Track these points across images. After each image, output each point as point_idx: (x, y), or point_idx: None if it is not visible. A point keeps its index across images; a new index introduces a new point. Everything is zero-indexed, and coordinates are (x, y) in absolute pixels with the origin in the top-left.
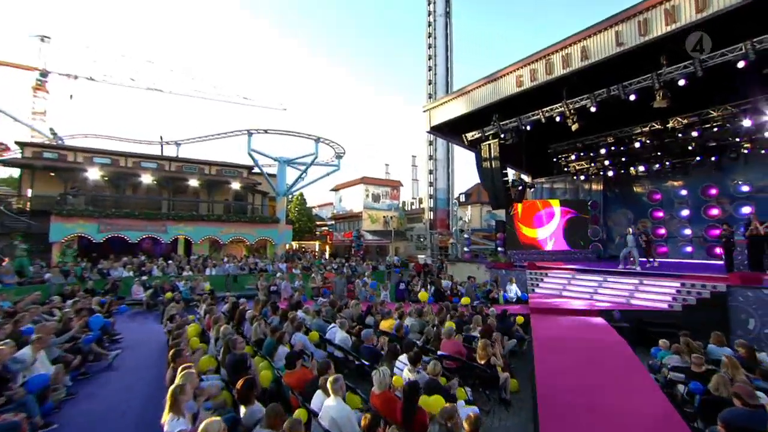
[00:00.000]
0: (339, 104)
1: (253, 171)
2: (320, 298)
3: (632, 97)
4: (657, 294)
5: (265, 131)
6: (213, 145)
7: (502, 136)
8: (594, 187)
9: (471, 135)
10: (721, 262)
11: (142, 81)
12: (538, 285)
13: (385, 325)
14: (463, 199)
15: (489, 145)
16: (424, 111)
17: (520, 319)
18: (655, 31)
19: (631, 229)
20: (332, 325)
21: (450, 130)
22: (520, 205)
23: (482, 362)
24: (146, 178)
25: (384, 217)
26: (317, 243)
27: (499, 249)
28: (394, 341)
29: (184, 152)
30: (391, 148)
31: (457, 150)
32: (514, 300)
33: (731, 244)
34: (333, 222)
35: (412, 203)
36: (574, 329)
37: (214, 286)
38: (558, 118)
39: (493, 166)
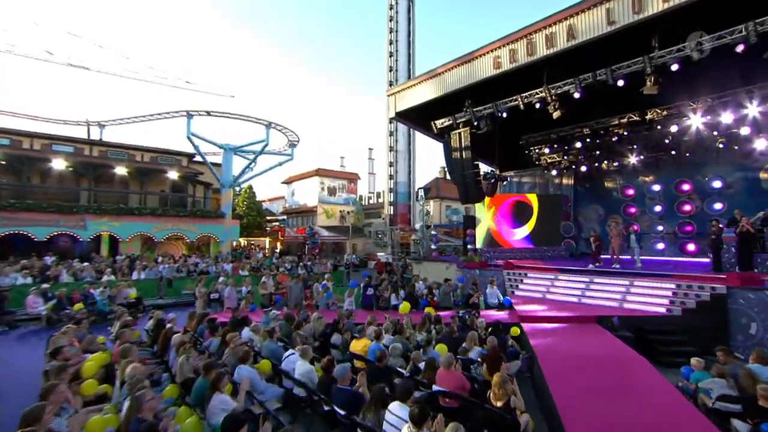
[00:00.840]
0: (291, 94)
1: (194, 159)
2: (272, 309)
3: (620, 83)
4: (652, 297)
5: (208, 113)
6: (148, 130)
7: (476, 123)
8: (565, 181)
9: (440, 122)
10: (702, 260)
11: (62, 55)
12: (517, 287)
13: (358, 346)
14: (422, 194)
15: (460, 133)
16: (389, 95)
17: (515, 331)
18: (651, 8)
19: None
20: (290, 352)
21: (417, 117)
22: (487, 199)
23: (499, 404)
24: (58, 164)
25: (340, 211)
26: (268, 240)
27: (469, 246)
28: (375, 375)
29: (111, 136)
30: (346, 141)
31: (418, 141)
32: (496, 305)
33: (720, 242)
34: (285, 217)
35: (369, 197)
36: (578, 342)
37: (142, 292)
38: (538, 105)
39: (464, 156)
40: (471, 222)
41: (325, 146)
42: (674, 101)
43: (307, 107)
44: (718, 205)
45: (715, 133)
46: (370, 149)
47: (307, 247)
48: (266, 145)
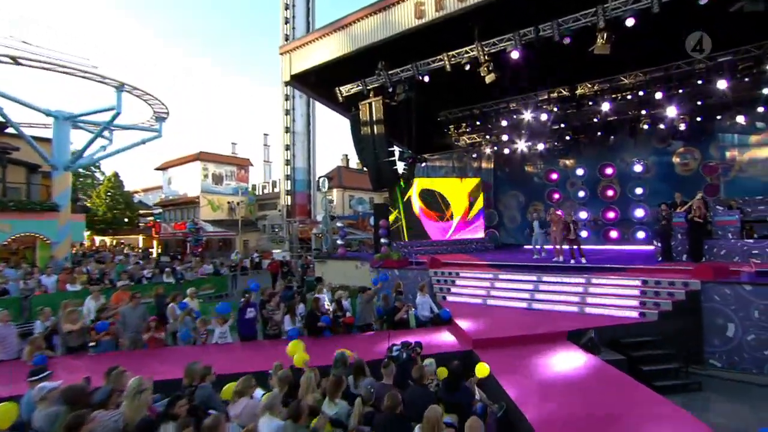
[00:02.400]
0: (172, 75)
1: (5, 130)
2: (44, 373)
3: (567, 41)
4: (617, 298)
5: (15, 60)
6: None
7: (390, 90)
8: (485, 165)
9: (347, 89)
10: (630, 248)
11: None
12: (449, 291)
13: None
14: (324, 183)
15: (371, 104)
16: (282, 53)
17: (482, 371)
18: None
19: (535, 215)
20: None
21: (318, 82)
22: (403, 184)
23: None
24: None
25: (229, 203)
26: (141, 237)
27: (383, 241)
28: None
29: None
30: (241, 128)
31: (319, 123)
32: (429, 319)
33: (670, 229)
34: (160, 210)
35: (264, 187)
36: (564, 380)
37: None
38: (468, 66)
39: (376, 131)
40: (383, 211)
41: (217, 133)
42: (607, 75)
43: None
44: (639, 190)
45: (644, 112)
46: (266, 135)
47: (189, 245)
48: (117, 114)
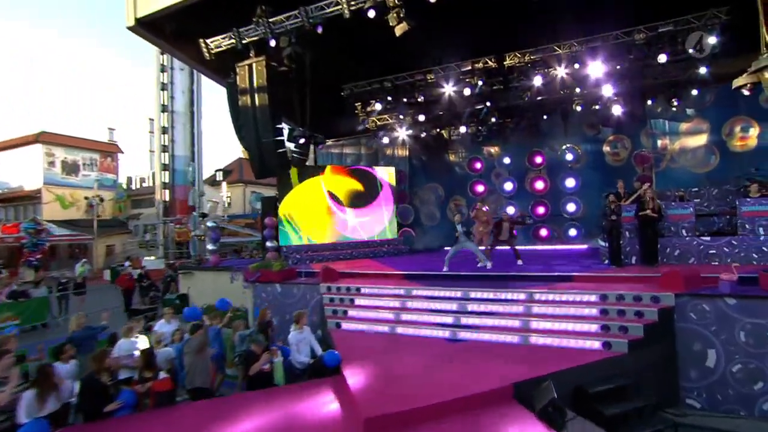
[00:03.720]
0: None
1: None
2: None
3: None
4: (570, 320)
5: None
6: None
7: (274, 44)
8: (399, 152)
9: (216, 43)
10: (575, 248)
11: None
12: (346, 314)
13: None
14: (221, 177)
15: (251, 67)
16: None
17: None
18: None
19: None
20: None
21: (178, 32)
22: (295, 172)
23: None
24: None
25: (87, 198)
26: None
27: (269, 244)
28: None
29: None
30: (120, 112)
31: (210, 101)
32: (307, 366)
33: (619, 225)
34: None
35: (143, 180)
36: None
37: None
38: (372, 13)
39: (258, 103)
40: (271, 206)
41: (95, 120)
42: (540, 44)
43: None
44: (570, 182)
45: (577, 90)
46: (151, 120)
47: (26, 251)
48: None
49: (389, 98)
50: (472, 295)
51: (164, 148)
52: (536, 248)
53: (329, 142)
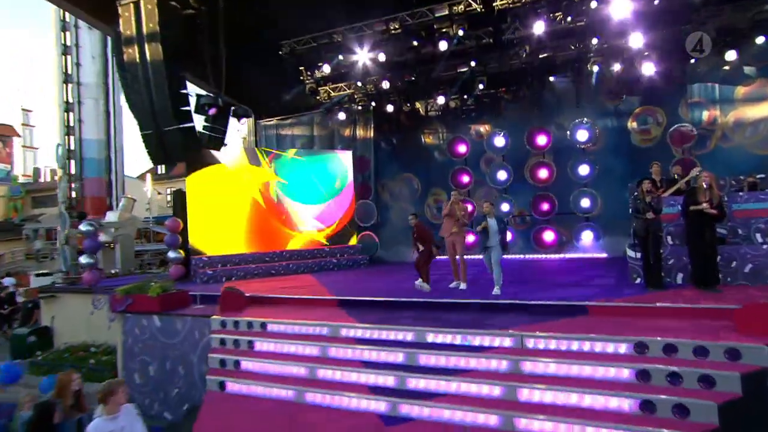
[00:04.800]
0: None
1: None
2: None
3: None
4: (583, 391)
5: None
6: None
7: None
8: (360, 133)
9: None
10: (593, 258)
11: None
12: (238, 367)
13: None
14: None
15: (137, 5)
16: None
17: None
18: None
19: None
20: None
21: None
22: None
23: None
24: None
25: None
26: None
27: (171, 255)
28: None
29: None
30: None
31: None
32: None
33: (656, 227)
34: None
35: (55, 173)
36: None
37: None
38: None
39: (150, 58)
40: (182, 201)
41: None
42: None
43: None
44: (584, 169)
45: (595, 41)
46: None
47: None
48: None
49: (340, 57)
50: (430, 338)
51: (68, 131)
52: (537, 258)
53: (273, 121)
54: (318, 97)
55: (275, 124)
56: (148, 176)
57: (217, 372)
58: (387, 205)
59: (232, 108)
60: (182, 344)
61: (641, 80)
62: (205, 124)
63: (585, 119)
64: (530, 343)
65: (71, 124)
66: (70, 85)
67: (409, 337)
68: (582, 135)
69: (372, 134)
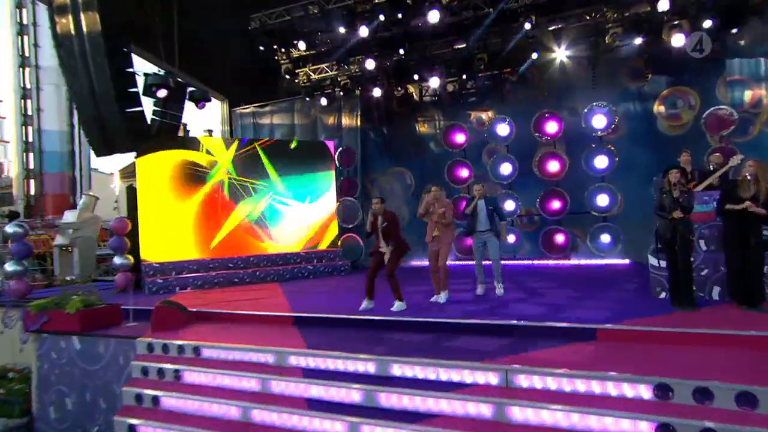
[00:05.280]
0: None
1: None
2: None
3: None
4: None
5: None
6: None
7: None
8: (346, 122)
9: None
10: (611, 264)
11: None
12: (157, 404)
13: None
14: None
15: None
16: None
17: None
18: None
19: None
20: None
21: None
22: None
23: None
24: None
25: None
26: None
27: (117, 261)
28: None
29: None
30: None
31: None
32: None
33: (685, 229)
34: None
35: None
36: None
37: None
38: None
39: (86, 27)
40: (133, 198)
41: None
42: None
43: None
44: (601, 161)
45: (613, 9)
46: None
47: None
48: None
49: (319, 33)
50: (395, 371)
51: (25, 120)
52: (545, 264)
53: (250, 108)
54: (297, 80)
55: (252, 111)
56: (116, 171)
57: (129, 412)
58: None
59: (189, 90)
60: (105, 372)
61: (670, 54)
62: (155, 108)
63: (602, 103)
64: (519, 380)
65: (29, 112)
66: (27, 69)
67: (371, 368)
68: (599, 121)
69: (358, 122)
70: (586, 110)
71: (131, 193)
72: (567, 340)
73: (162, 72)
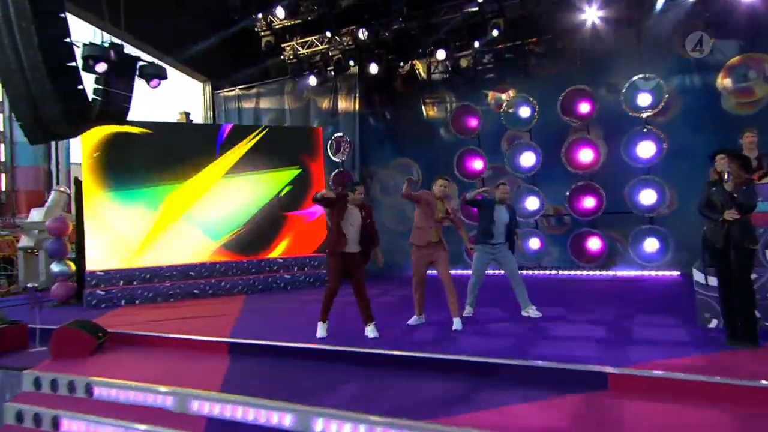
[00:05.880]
0: None
1: None
2: None
3: None
4: None
5: None
6: None
7: None
8: (342, 106)
9: None
10: (657, 277)
11: None
12: None
13: None
14: None
15: None
16: None
17: None
18: None
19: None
20: None
21: None
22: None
23: None
24: None
25: None
26: None
27: (54, 268)
28: None
29: None
30: None
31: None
32: None
33: (744, 234)
34: None
35: None
36: None
37: None
38: None
39: None
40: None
41: None
42: None
43: None
44: (646, 149)
45: None
46: None
47: None
48: None
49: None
50: (317, 426)
51: None
52: (576, 275)
53: (235, 91)
54: (282, 56)
55: (237, 95)
56: None
57: None
58: (375, 200)
59: (140, 65)
60: None
61: (737, 12)
62: (97, 86)
63: (649, 76)
64: None
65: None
66: None
67: (287, 421)
68: (644, 99)
69: (357, 106)
70: (627, 85)
71: (77, 186)
72: (564, 389)
73: (106, 42)
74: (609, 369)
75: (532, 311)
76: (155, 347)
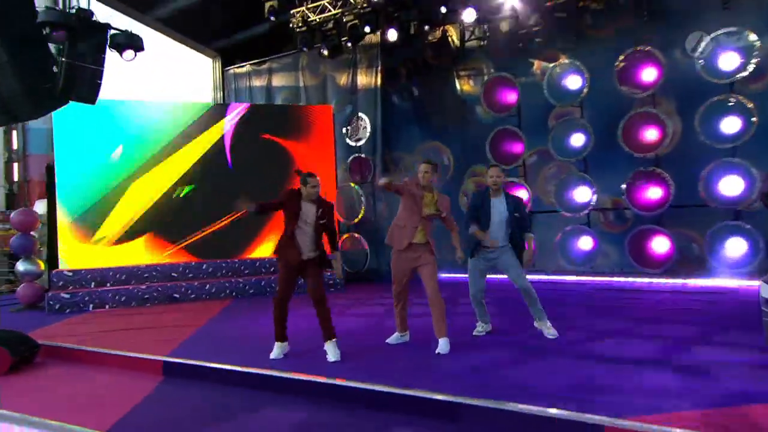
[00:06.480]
0: None
1: None
2: None
3: None
4: None
5: None
6: None
7: None
8: (362, 80)
9: None
10: (742, 289)
11: None
12: None
13: None
14: None
15: None
16: None
17: None
18: None
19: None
20: None
21: None
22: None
23: None
24: None
25: None
26: None
27: (20, 267)
28: None
29: None
30: None
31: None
32: None
33: None
34: None
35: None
36: None
37: None
38: None
39: None
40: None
41: None
42: None
43: None
44: (731, 125)
45: None
46: None
47: None
48: None
49: None
50: None
51: None
52: (636, 282)
53: (246, 67)
54: (291, 24)
55: (247, 71)
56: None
57: None
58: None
59: (111, 33)
60: None
61: None
62: (59, 59)
63: (735, 30)
64: None
65: None
66: None
67: None
68: (727, 62)
69: (378, 81)
70: (704, 44)
71: (48, 173)
72: None
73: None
74: (612, 422)
75: (546, 329)
76: (84, 364)
